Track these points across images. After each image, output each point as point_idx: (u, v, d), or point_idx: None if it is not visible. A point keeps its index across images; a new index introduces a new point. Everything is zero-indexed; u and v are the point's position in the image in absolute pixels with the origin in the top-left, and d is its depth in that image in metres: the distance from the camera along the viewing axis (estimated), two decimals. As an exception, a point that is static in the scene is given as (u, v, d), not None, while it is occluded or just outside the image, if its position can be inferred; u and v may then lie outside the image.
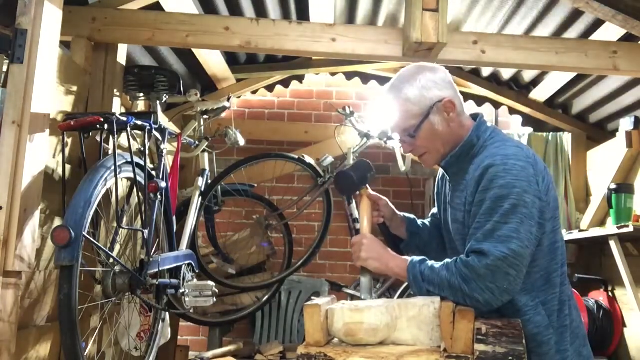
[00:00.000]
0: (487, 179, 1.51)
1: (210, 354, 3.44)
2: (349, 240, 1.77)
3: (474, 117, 1.72)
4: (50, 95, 1.95)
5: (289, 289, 4.11)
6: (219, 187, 3.08)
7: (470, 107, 4.37)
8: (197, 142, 2.93)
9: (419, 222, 1.94)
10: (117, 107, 2.57)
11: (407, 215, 1.95)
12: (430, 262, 1.57)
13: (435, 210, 1.95)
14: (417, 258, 1.60)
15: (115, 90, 2.55)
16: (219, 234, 3.31)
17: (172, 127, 3.27)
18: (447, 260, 1.55)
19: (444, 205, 1.79)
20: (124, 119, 1.98)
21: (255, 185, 3.34)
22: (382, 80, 4.34)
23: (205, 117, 2.94)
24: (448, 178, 1.75)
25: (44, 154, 1.91)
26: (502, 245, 1.45)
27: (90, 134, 2.03)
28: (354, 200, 3.12)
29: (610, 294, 3.50)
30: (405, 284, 3.34)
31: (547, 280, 1.58)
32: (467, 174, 1.62)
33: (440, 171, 1.83)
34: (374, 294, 1.75)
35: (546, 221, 1.55)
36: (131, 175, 2.05)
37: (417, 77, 1.65)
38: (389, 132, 3.19)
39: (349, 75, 4.27)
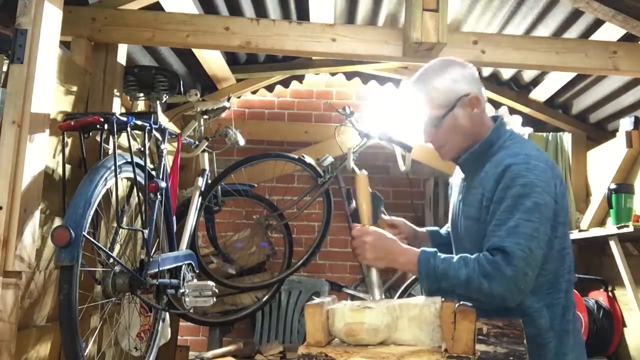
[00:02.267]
0: (509, 177, 1.52)
1: (210, 354, 3.44)
2: (350, 241, 1.70)
3: (494, 118, 1.73)
4: (50, 95, 1.95)
5: (289, 289, 4.11)
6: (219, 187, 3.08)
7: (470, 107, 4.38)
8: (197, 142, 2.93)
9: (443, 231, 1.93)
10: (117, 107, 2.56)
11: (429, 228, 1.93)
12: (443, 256, 1.54)
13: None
14: (428, 250, 1.57)
15: (115, 90, 2.54)
16: (219, 234, 3.31)
17: (172, 127, 3.27)
18: (465, 255, 1.53)
19: (456, 203, 1.77)
20: (124, 119, 1.98)
21: (255, 185, 3.34)
22: (382, 80, 4.34)
23: (205, 117, 2.94)
24: (463, 176, 1.74)
25: (44, 154, 1.91)
26: (524, 244, 1.46)
27: (90, 134, 2.03)
28: (354, 201, 3.12)
29: (610, 294, 3.50)
30: (406, 284, 3.36)
31: (554, 284, 1.58)
32: (482, 172, 1.63)
33: (453, 175, 1.86)
34: (382, 292, 1.66)
35: (559, 224, 1.57)
36: (131, 175, 2.05)
37: (447, 69, 1.67)
38: (388, 132, 3.19)
39: (349, 75, 4.27)
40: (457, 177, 1.83)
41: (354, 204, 3.13)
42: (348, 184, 3.41)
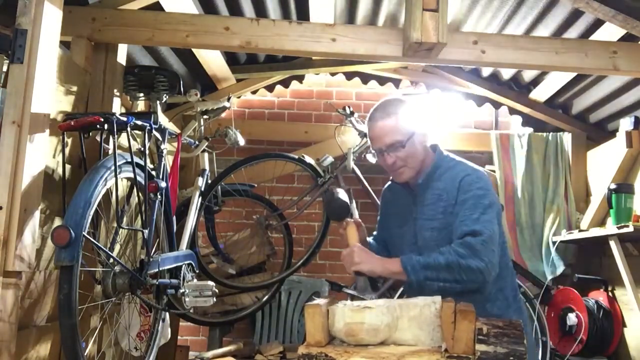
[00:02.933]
0: (467, 184, 1.89)
1: (210, 354, 3.44)
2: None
3: (433, 147, 2.08)
4: (50, 95, 1.95)
5: (289, 289, 4.10)
6: (219, 187, 3.08)
7: (470, 107, 4.38)
8: (197, 142, 2.93)
9: (373, 243, 2.20)
10: (117, 107, 2.56)
11: (370, 240, 2.19)
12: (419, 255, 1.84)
13: (378, 231, 2.25)
14: (409, 254, 1.85)
15: (115, 90, 2.54)
16: (219, 234, 3.31)
17: (172, 127, 3.27)
18: (438, 249, 1.83)
19: (409, 222, 2.03)
20: (124, 119, 1.98)
21: (255, 185, 3.34)
22: (382, 80, 4.34)
23: (205, 117, 2.94)
24: (413, 197, 2.03)
25: (44, 154, 1.91)
26: (488, 227, 1.81)
27: (90, 134, 2.03)
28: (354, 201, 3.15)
29: (610, 294, 3.50)
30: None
31: (503, 270, 1.91)
32: (435, 189, 1.96)
33: (387, 196, 2.18)
34: (374, 294, 1.87)
35: (499, 222, 1.92)
36: (131, 175, 2.05)
37: (402, 105, 2.01)
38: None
39: (349, 75, 4.27)
40: (397, 196, 2.12)
41: (354, 203, 3.14)
42: (348, 184, 3.41)
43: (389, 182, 2.20)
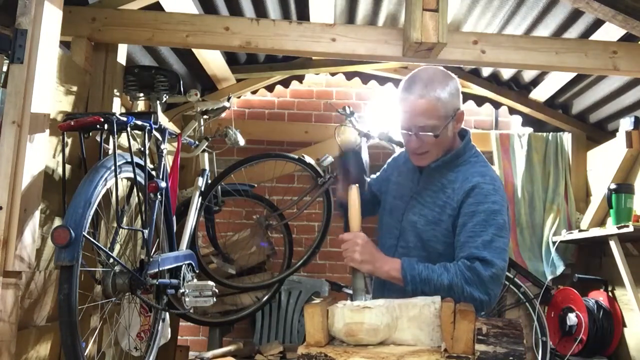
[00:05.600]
0: (481, 194, 1.70)
1: (210, 354, 3.44)
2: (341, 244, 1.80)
3: (463, 132, 1.88)
4: (50, 95, 1.95)
5: (289, 289, 4.11)
6: (219, 187, 3.08)
7: (470, 107, 4.38)
8: (197, 142, 2.93)
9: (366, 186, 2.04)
10: (117, 107, 2.56)
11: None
12: (425, 264, 1.68)
13: (374, 182, 2.11)
14: (409, 259, 1.71)
15: (115, 90, 2.54)
16: (219, 234, 3.31)
17: (172, 127, 3.27)
18: (444, 263, 1.68)
19: (406, 196, 1.88)
20: (124, 119, 1.98)
21: (255, 185, 3.34)
22: (382, 80, 4.34)
23: (205, 117, 2.94)
24: (419, 174, 1.86)
25: (44, 154, 1.91)
26: (500, 257, 1.65)
27: (90, 134, 2.02)
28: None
29: (610, 294, 3.50)
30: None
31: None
32: (444, 179, 1.78)
33: (399, 160, 2.02)
34: (368, 296, 1.77)
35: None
36: (131, 175, 2.05)
37: (448, 82, 1.76)
38: (388, 131, 3.18)
39: (349, 75, 4.27)
40: (407, 166, 1.94)
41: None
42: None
43: (403, 150, 2.01)
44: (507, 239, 1.69)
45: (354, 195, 1.80)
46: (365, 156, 1.93)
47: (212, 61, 3.55)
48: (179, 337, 3.60)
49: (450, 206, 1.74)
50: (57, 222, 2.08)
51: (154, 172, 2.27)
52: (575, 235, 3.60)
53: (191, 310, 2.77)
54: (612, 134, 3.73)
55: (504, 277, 1.68)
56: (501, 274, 1.65)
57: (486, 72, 4.07)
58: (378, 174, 2.15)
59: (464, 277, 1.62)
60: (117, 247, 2.27)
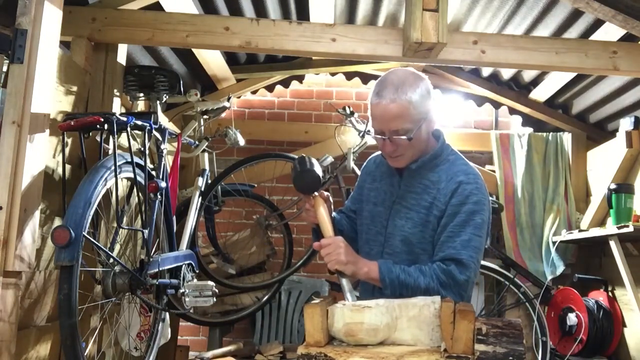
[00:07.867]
0: (463, 194, 1.72)
1: (210, 354, 3.44)
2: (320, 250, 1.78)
3: (436, 132, 1.87)
4: (50, 95, 1.95)
5: (289, 289, 4.11)
6: (219, 187, 3.08)
7: (470, 107, 4.38)
8: (197, 142, 2.94)
9: (340, 218, 2.02)
10: (117, 107, 2.56)
11: (335, 215, 1.99)
12: (400, 266, 1.71)
13: (350, 204, 2.05)
14: (385, 261, 1.72)
15: (115, 90, 2.55)
16: (219, 234, 3.31)
17: (172, 127, 3.27)
18: (419, 265, 1.71)
19: (387, 202, 1.86)
20: (124, 119, 1.98)
21: (255, 185, 3.34)
22: (382, 80, 4.33)
23: (205, 117, 2.95)
24: (399, 177, 1.84)
25: (44, 154, 1.91)
26: (475, 258, 1.69)
27: (90, 134, 2.03)
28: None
29: (610, 294, 3.50)
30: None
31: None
32: (425, 179, 1.79)
33: (369, 167, 1.98)
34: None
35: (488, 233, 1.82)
36: (131, 175, 2.05)
37: (418, 84, 1.74)
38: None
39: (349, 75, 4.27)
40: (381, 169, 1.92)
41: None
42: (348, 184, 3.41)
43: (378, 153, 1.96)
44: (484, 238, 1.74)
45: (318, 203, 1.81)
46: (318, 170, 1.84)
47: (212, 61, 3.55)
48: (179, 337, 3.60)
49: (436, 207, 1.74)
50: (57, 222, 2.08)
51: (154, 172, 2.27)
52: (575, 235, 3.60)
53: (191, 310, 2.78)
54: (612, 134, 3.73)
55: (477, 273, 1.73)
56: (474, 277, 1.71)
57: (486, 72, 4.07)
58: (352, 194, 2.09)
59: (439, 280, 1.65)
60: (117, 247, 2.27)
